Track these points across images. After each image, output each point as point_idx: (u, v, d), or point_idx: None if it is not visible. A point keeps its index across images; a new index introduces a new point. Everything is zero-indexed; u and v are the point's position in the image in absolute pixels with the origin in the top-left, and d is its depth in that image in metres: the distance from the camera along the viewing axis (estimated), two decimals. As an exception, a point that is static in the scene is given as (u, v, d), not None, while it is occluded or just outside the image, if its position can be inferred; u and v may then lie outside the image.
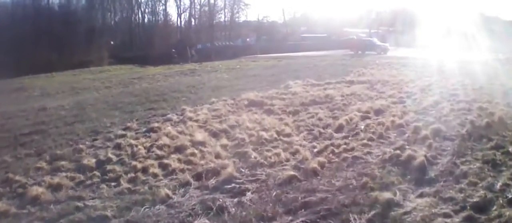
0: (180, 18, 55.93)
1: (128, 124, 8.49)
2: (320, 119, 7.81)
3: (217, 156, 5.99)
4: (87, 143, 7.15)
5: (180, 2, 59.05)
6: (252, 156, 5.84)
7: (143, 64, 30.35)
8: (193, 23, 55.85)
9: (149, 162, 5.89)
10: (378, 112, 8.15)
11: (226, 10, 57.37)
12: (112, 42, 37.72)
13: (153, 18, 53.56)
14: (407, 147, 5.83)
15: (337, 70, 16.89)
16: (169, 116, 9.08)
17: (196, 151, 6.21)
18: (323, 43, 42.53)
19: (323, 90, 11.28)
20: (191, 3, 54.58)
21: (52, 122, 9.40)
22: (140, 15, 48.65)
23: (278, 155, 5.74)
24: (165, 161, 5.90)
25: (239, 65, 22.68)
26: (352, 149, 5.89)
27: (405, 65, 17.81)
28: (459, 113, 7.83)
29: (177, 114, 9.36)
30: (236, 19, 60.71)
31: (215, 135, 7.23)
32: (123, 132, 7.80)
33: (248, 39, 48.21)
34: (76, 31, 38.93)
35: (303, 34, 54.61)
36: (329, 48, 37.63)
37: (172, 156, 6.13)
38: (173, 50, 32.82)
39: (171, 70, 23.34)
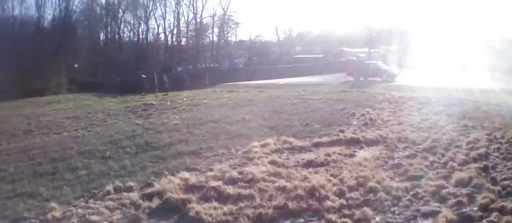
0: (166, 38, 51.75)
1: None
2: None
3: None
4: None
5: (164, 21, 54.82)
6: None
7: (105, 93, 25.56)
8: (178, 43, 51.49)
9: None
10: None
11: (215, 29, 53.21)
12: (76, 66, 32.89)
13: (135, 38, 49.28)
14: None
15: (333, 112, 12.04)
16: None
17: None
18: (319, 65, 37.79)
19: (306, 171, 6.38)
20: (175, 21, 50.29)
21: None
22: (117, 35, 44.08)
23: None
24: None
25: (208, 99, 17.78)
26: None
27: (425, 103, 12.95)
28: None
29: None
30: (228, 38, 56.69)
31: None
32: None
33: (236, 61, 43.50)
34: (42, 52, 34.38)
35: (297, 55, 50.02)
36: (325, 72, 32.79)
37: None
38: (143, 76, 27.97)
39: (123, 104, 18.48)
